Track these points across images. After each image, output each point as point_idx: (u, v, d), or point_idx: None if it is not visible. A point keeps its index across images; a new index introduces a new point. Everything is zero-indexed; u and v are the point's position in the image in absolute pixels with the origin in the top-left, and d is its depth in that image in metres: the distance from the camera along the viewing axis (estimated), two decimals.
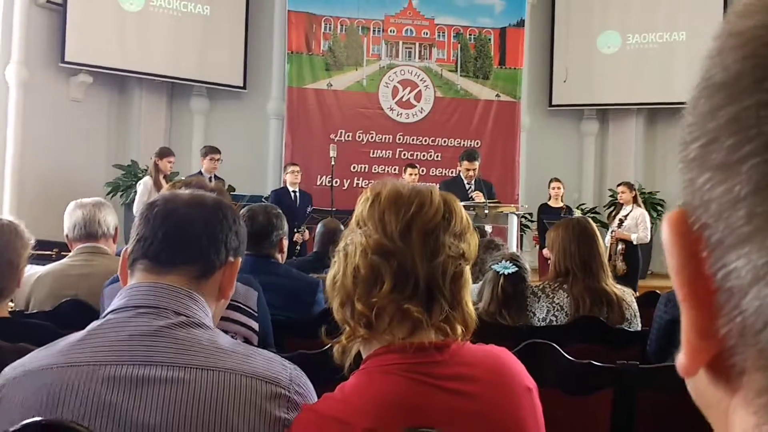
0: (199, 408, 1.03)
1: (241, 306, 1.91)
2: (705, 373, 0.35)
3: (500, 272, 2.62)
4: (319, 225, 4.03)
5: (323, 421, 1.04)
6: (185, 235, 1.20)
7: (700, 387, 0.36)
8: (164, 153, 6.85)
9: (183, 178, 6.99)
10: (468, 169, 6.44)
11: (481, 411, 1.08)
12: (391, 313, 1.10)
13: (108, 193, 8.19)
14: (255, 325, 1.93)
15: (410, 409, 1.05)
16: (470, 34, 9.74)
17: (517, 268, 2.64)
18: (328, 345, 1.19)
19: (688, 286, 0.34)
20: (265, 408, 1.05)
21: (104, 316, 1.13)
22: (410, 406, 1.06)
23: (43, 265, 3.11)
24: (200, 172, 7.20)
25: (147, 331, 1.08)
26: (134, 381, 1.04)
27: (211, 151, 7.14)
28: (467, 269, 1.17)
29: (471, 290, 1.19)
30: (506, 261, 2.66)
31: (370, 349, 1.13)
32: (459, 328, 1.12)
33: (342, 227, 3.94)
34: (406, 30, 9.62)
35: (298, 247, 6.59)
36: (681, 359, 0.35)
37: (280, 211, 2.92)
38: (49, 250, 5.17)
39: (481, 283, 2.72)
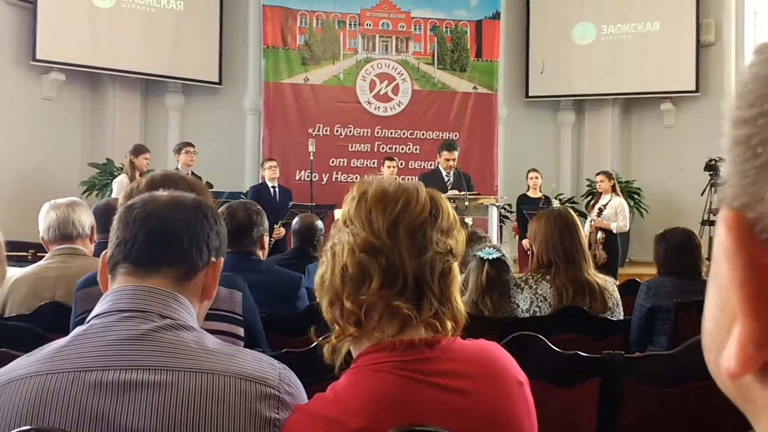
0: (188, 411, 1.01)
1: (225, 314, 1.81)
2: (753, 376, 0.34)
3: (485, 258, 2.64)
4: (295, 221, 3.86)
5: (315, 421, 1.03)
6: (166, 237, 1.18)
7: (745, 386, 0.35)
8: (139, 150, 6.77)
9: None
10: (447, 159, 6.44)
11: (473, 406, 1.08)
12: (381, 310, 1.09)
13: (83, 192, 8.08)
14: (240, 331, 1.84)
15: (402, 407, 1.05)
16: (446, 27, 9.74)
17: (500, 254, 2.67)
18: (315, 343, 1.18)
19: (752, 300, 0.32)
20: (254, 408, 1.04)
21: (88, 321, 1.10)
22: (402, 403, 1.05)
23: (20, 266, 3.06)
24: (177, 170, 7.14)
25: (133, 335, 1.06)
26: (121, 386, 1.01)
27: (184, 145, 7.08)
28: (455, 265, 1.17)
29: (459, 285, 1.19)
30: (489, 248, 2.69)
31: (361, 347, 1.12)
32: (449, 324, 1.12)
33: (318, 222, 3.86)
34: (383, 23, 9.59)
35: (272, 241, 6.47)
36: (729, 365, 0.33)
37: (260, 207, 2.90)
38: (25, 251, 5.09)
39: (464, 275, 2.73)
